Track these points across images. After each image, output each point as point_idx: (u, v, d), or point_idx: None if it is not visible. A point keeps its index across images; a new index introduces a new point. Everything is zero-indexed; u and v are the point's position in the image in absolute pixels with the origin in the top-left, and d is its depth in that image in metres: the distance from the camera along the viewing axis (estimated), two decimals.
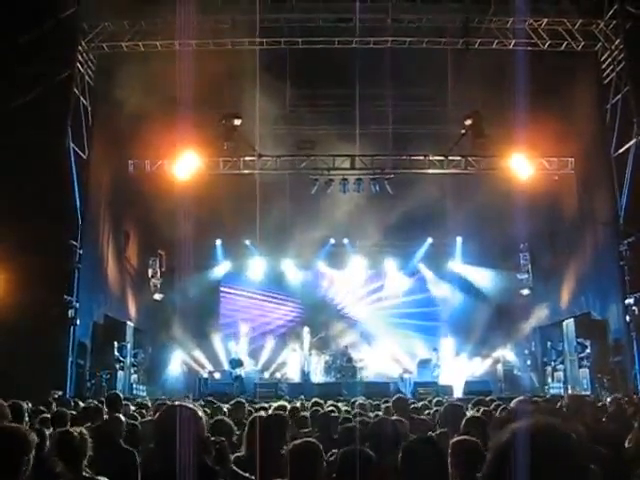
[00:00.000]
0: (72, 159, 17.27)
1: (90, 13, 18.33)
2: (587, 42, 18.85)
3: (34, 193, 15.27)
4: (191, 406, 3.46)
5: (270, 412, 5.84)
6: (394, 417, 6.26)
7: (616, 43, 18.31)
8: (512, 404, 7.33)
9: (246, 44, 18.93)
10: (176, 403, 3.56)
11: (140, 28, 18.71)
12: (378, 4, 18.98)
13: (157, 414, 3.36)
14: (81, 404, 9.79)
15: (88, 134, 18.45)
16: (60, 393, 14.07)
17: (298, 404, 10.70)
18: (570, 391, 18.64)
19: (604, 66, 18.94)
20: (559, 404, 9.27)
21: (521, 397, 9.74)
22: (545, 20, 18.57)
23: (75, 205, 17.50)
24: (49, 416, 7.34)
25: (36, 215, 14.99)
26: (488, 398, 11.64)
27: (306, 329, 23.66)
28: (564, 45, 18.82)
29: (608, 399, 11.33)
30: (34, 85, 15.94)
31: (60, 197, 16.89)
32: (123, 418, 6.48)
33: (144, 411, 9.27)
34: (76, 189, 17.48)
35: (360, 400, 10.51)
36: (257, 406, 9.97)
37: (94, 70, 19.15)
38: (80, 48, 18.37)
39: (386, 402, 9.56)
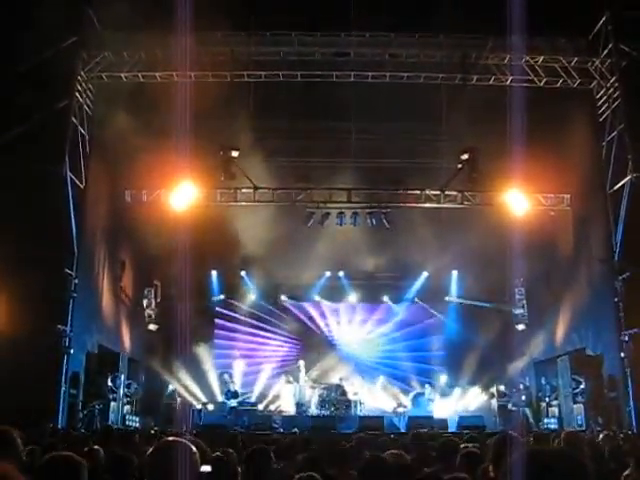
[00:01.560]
0: (69, 188, 17.28)
1: (90, 43, 18.52)
2: (583, 79, 19.07)
3: (31, 222, 15.26)
4: (184, 440, 3.42)
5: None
6: (391, 451, 6.19)
7: (611, 81, 18.54)
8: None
9: (245, 77, 19.08)
10: (170, 438, 3.52)
11: (140, 59, 18.87)
12: (376, 39, 19.18)
13: (150, 449, 3.31)
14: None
15: (86, 163, 18.47)
16: (51, 425, 13.89)
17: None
18: (565, 427, 18.52)
19: (600, 103, 19.15)
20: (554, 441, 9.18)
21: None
22: (541, 57, 18.81)
23: (71, 234, 17.46)
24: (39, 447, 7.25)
25: (32, 244, 14.94)
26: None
27: (300, 362, 23.56)
28: (560, 82, 19.04)
29: (601, 435, 11.28)
30: (33, 114, 16.00)
31: (56, 226, 16.87)
32: (101, 450, 6.39)
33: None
34: (72, 218, 17.45)
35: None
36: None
37: (93, 100, 19.24)
38: (79, 77, 18.48)
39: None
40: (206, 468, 5.33)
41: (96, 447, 6.52)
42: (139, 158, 18.92)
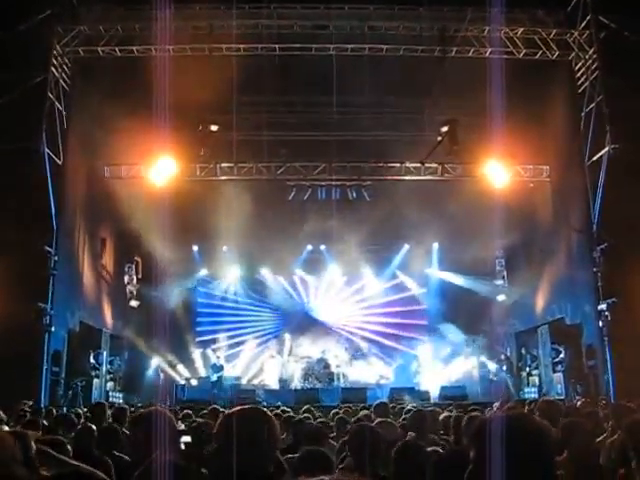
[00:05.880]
0: (47, 164, 17.09)
1: (66, 17, 18.24)
2: (562, 51, 19.05)
3: (8, 199, 15.13)
4: (160, 408, 3.45)
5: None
6: (378, 420, 6.26)
7: (590, 53, 18.55)
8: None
9: (223, 50, 18.89)
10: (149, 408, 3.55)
11: (116, 33, 18.59)
12: (355, 11, 19.04)
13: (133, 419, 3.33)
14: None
15: (63, 139, 18.26)
16: (30, 402, 13.83)
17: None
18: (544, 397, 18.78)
19: (578, 75, 19.18)
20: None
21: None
22: (521, 29, 18.76)
23: (50, 211, 17.32)
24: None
25: (10, 221, 14.85)
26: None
27: (285, 335, 23.67)
28: (539, 54, 19.01)
29: (579, 402, 11.57)
30: (8, 89, 15.77)
31: (35, 203, 16.73)
32: (94, 427, 6.40)
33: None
34: (51, 195, 17.30)
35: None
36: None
37: (69, 74, 19.00)
38: (55, 52, 18.21)
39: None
40: (186, 438, 5.39)
41: (88, 424, 6.51)
42: (117, 133, 18.80)
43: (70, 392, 17.35)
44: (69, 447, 4.47)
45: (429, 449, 4.84)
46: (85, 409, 11.58)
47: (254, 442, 2.88)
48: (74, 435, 6.28)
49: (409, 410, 8.14)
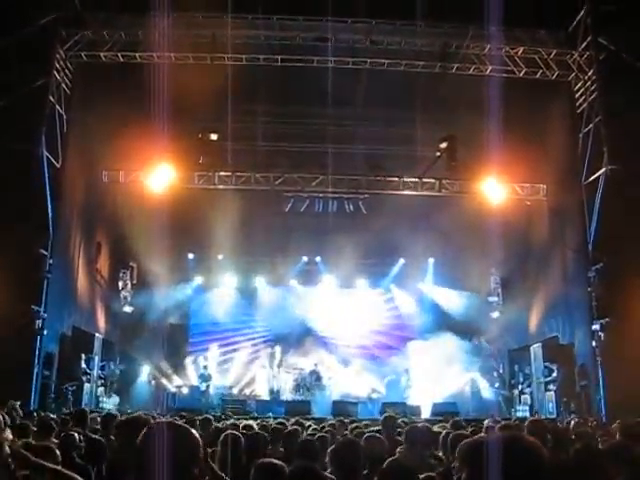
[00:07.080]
0: (45, 167, 17.08)
1: (69, 21, 18.28)
2: (561, 72, 19.18)
3: (5, 201, 15.11)
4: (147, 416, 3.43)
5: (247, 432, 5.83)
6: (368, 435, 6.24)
7: (589, 74, 18.64)
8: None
9: (225, 60, 18.96)
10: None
11: (119, 39, 18.68)
12: (357, 25, 19.12)
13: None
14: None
15: (62, 143, 18.27)
16: (18, 403, 13.74)
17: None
18: (535, 415, 18.74)
19: (577, 96, 19.27)
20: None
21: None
22: (521, 49, 18.88)
23: (47, 214, 17.29)
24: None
25: (6, 223, 14.81)
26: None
27: (277, 347, 23.60)
28: (539, 73, 19.13)
29: (572, 422, 11.52)
30: (9, 92, 15.79)
31: (32, 206, 16.71)
32: (76, 434, 6.36)
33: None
34: (48, 198, 17.27)
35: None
36: (228, 422, 9.95)
37: (71, 79, 19.01)
38: (58, 56, 18.24)
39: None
40: None
41: (71, 432, 6.48)
42: (117, 139, 18.79)
43: (60, 396, 17.26)
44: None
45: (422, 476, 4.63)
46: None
47: (169, 457, 2.87)
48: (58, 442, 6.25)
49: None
